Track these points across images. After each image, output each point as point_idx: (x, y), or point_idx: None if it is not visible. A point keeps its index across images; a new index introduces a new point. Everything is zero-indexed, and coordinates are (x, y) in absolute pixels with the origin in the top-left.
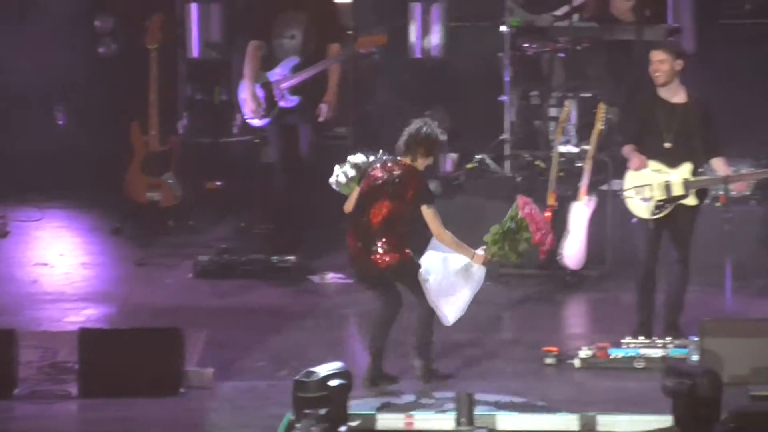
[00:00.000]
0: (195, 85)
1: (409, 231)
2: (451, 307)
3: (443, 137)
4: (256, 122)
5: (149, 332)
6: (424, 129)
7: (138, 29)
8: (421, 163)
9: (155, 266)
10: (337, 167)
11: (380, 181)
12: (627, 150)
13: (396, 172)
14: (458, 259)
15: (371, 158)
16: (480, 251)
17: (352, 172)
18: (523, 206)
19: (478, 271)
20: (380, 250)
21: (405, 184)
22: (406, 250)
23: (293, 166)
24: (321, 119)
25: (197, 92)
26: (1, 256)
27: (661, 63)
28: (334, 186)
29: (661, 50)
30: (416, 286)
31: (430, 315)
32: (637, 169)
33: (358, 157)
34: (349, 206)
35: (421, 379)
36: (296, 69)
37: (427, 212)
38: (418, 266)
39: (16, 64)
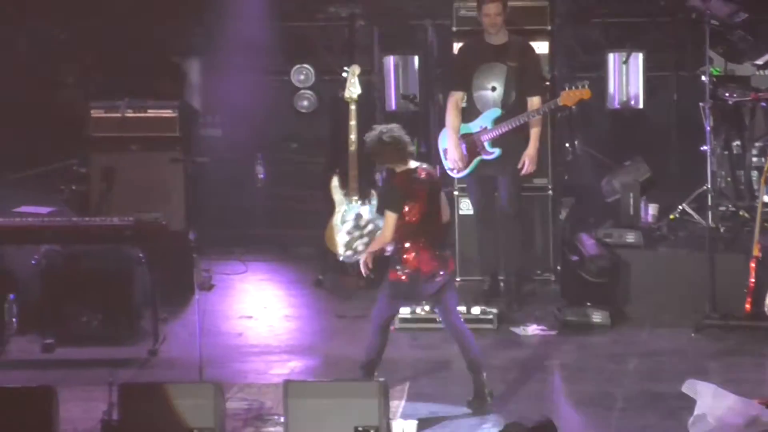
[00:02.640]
0: None
1: None
2: None
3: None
4: (455, 174)
5: (354, 384)
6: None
7: (336, 82)
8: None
9: (357, 318)
10: None
11: (429, 183)
12: None
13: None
14: None
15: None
16: None
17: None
18: None
19: None
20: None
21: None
22: None
23: (492, 218)
24: (523, 172)
25: None
26: (207, 309)
27: None
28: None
29: None
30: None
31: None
32: None
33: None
34: (389, 235)
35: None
36: (497, 121)
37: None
38: None
39: (219, 118)
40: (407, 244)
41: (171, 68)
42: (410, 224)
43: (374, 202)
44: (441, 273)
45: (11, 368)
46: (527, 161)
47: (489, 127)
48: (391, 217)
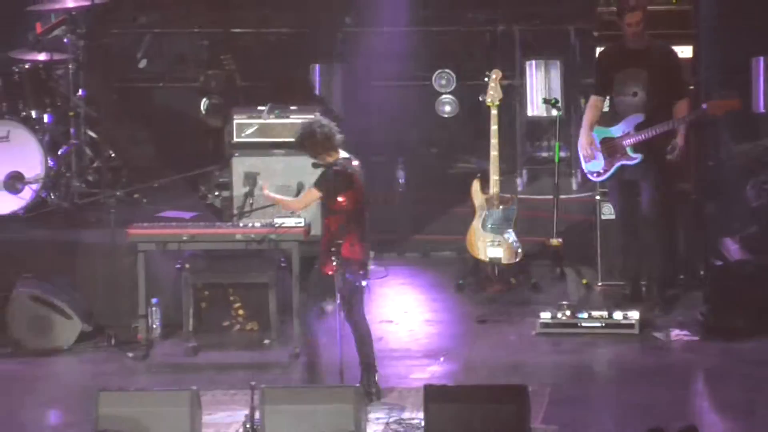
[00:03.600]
0: (534, 142)
1: None
2: None
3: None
4: (596, 178)
5: (494, 389)
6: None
7: (478, 87)
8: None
9: (497, 323)
10: None
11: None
12: None
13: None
14: None
15: None
16: None
17: None
18: None
19: None
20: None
21: None
22: None
23: (634, 223)
24: (669, 158)
25: (536, 149)
26: None
27: None
28: None
29: None
30: None
31: None
32: None
33: None
34: (299, 207)
35: None
36: (639, 126)
37: None
38: None
39: (361, 123)
40: (345, 235)
41: (313, 74)
42: (346, 212)
43: (514, 206)
44: (370, 265)
45: (155, 372)
46: (676, 150)
47: (632, 132)
48: (314, 194)
